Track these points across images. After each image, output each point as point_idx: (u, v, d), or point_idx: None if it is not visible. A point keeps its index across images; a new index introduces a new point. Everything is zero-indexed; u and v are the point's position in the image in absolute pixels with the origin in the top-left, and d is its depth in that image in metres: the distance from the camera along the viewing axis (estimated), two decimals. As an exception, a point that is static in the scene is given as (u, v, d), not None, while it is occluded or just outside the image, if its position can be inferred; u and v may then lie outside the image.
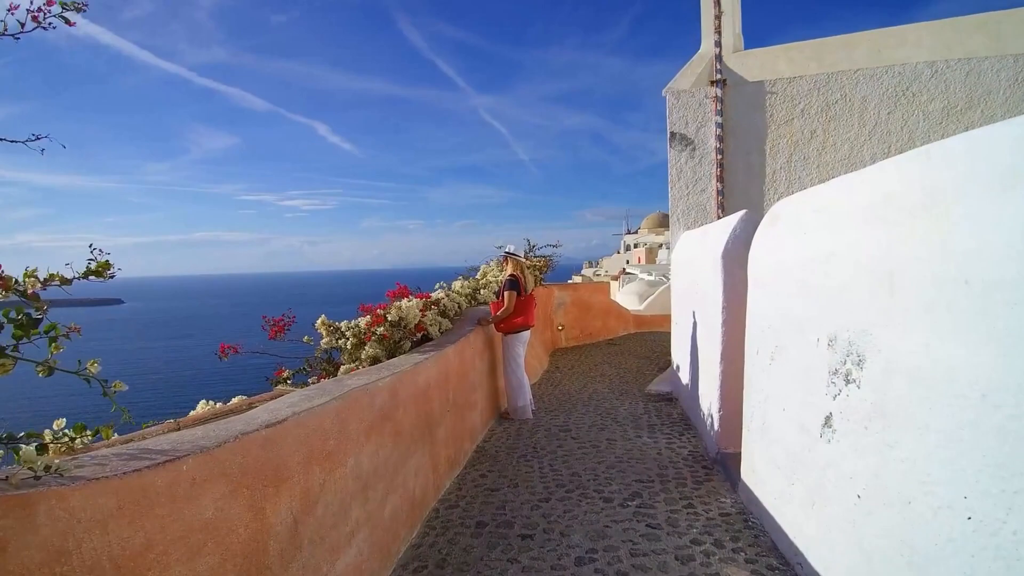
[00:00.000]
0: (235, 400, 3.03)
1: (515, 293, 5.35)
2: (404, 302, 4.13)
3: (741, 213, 3.99)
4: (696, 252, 5.23)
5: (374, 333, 3.89)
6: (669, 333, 12.93)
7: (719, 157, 6.44)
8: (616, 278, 26.39)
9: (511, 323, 5.40)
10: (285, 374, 4.08)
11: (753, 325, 3.16)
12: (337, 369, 3.95)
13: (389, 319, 3.98)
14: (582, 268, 53.27)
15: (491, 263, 8.40)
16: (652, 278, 17.37)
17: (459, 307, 5.92)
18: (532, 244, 9.82)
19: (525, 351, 5.67)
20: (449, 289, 6.53)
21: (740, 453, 3.88)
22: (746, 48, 6.75)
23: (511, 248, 5.64)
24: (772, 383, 2.82)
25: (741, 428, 3.94)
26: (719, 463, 3.98)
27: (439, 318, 4.77)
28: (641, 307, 14.64)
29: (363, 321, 3.98)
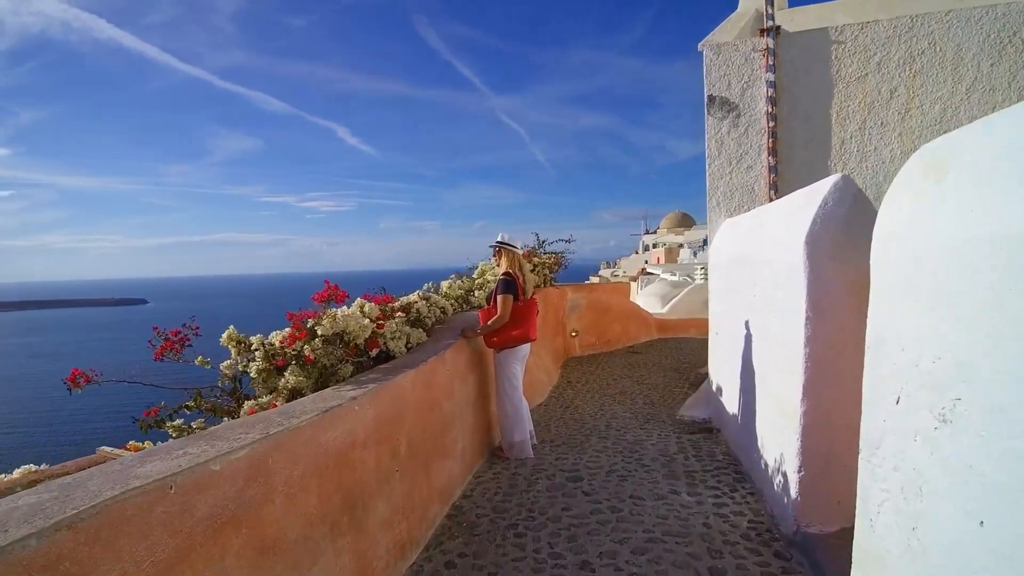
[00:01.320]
0: (20, 471, 1.84)
1: (511, 297, 4.11)
2: (343, 309, 2.92)
3: (834, 179, 2.70)
4: (749, 242, 3.95)
5: (291, 354, 2.68)
6: (696, 339, 11.54)
7: (771, 125, 5.12)
8: (635, 279, 24.91)
9: (506, 336, 4.15)
10: (189, 404, 2.89)
11: (891, 354, 1.88)
12: (241, 405, 2.75)
13: (320, 332, 2.77)
14: (599, 269, 51.88)
15: (492, 260, 7.19)
16: (675, 278, 16.00)
17: (443, 313, 4.70)
18: (541, 239, 8.59)
19: (524, 369, 4.42)
20: (435, 290, 5.33)
21: (835, 535, 2.62)
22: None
23: (505, 237, 4.39)
24: (946, 465, 1.54)
25: (835, 501, 2.67)
26: (799, 548, 2.69)
27: (407, 329, 3.56)
28: (664, 310, 13.29)
29: (279, 336, 2.78)
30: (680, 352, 9.54)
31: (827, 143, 5.05)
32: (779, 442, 3.00)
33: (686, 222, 63.61)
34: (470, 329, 4.15)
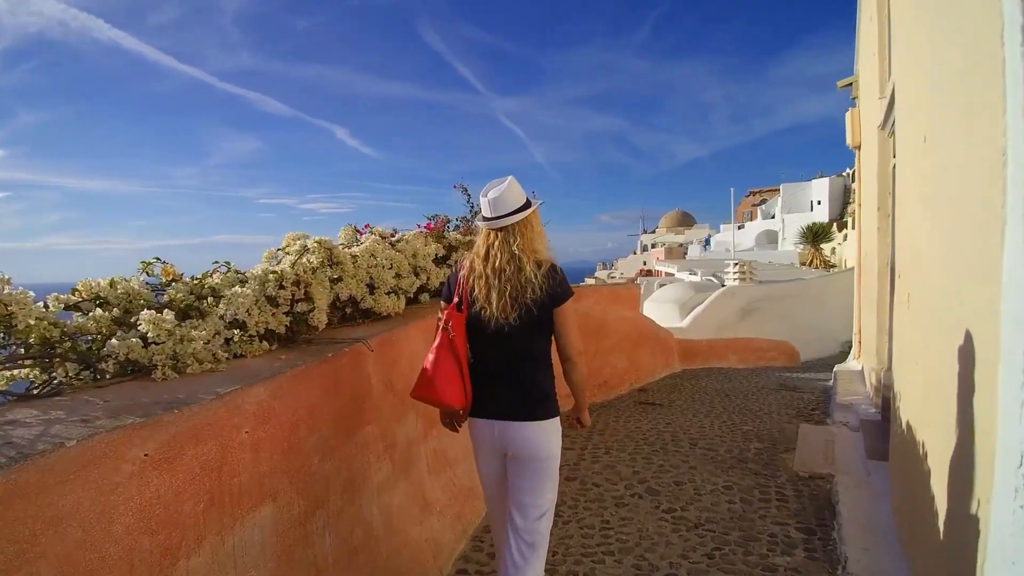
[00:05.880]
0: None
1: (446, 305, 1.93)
2: None
3: None
4: None
5: None
6: (741, 372, 7.46)
7: None
8: (633, 280, 20.45)
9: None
10: None
11: None
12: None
13: None
14: (595, 270, 47.95)
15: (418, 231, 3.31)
16: (696, 279, 12.00)
17: None
18: (476, 208, 4.49)
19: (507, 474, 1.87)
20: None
21: None
22: None
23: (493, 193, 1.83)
24: None
25: None
26: None
27: None
28: (684, 324, 9.28)
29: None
30: (728, 401, 5.52)
31: None
32: None
33: (686, 221, 60.13)
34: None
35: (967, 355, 1.63)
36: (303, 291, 2.15)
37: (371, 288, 2.69)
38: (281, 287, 2.08)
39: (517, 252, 1.78)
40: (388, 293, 2.72)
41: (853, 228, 23.79)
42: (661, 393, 6.04)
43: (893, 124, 3.92)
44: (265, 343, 2.00)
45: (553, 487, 1.87)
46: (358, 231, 3.08)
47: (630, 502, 3.24)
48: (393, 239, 3.16)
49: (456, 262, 3.84)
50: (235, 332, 1.90)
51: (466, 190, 4.29)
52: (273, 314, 2.04)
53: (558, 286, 1.80)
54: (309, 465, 1.82)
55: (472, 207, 4.37)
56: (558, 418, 1.86)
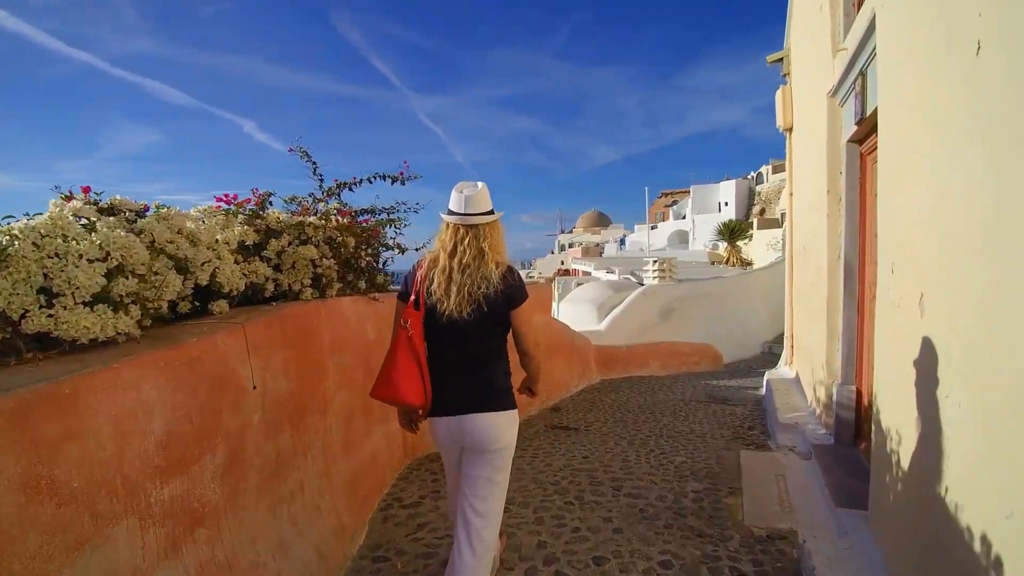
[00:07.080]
0: None
1: (401, 304, 1.96)
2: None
3: None
4: None
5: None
6: (663, 380, 6.54)
7: None
8: (551, 280, 19.80)
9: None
10: None
11: None
12: None
13: None
14: (514, 270, 47.35)
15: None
16: (616, 278, 11.32)
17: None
18: (337, 182, 3.29)
19: (465, 470, 1.92)
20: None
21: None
22: None
23: (465, 192, 1.93)
24: None
25: None
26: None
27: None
28: (602, 327, 8.48)
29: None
30: (654, 421, 4.67)
31: None
32: None
33: (602, 221, 61.30)
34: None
35: None
36: None
37: (51, 295, 1.45)
38: None
39: (486, 250, 1.84)
40: (89, 304, 1.50)
41: (760, 228, 24.40)
42: (577, 413, 5.11)
43: (855, 81, 3.16)
44: None
45: (505, 480, 1.92)
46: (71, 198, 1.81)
47: (533, 601, 2.20)
48: (143, 212, 1.93)
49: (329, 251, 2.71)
50: None
51: (308, 154, 3.10)
52: None
53: (515, 288, 1.86)
54: None
55: (321, 178, 3.19)
56: (515, 411, 1.91)
